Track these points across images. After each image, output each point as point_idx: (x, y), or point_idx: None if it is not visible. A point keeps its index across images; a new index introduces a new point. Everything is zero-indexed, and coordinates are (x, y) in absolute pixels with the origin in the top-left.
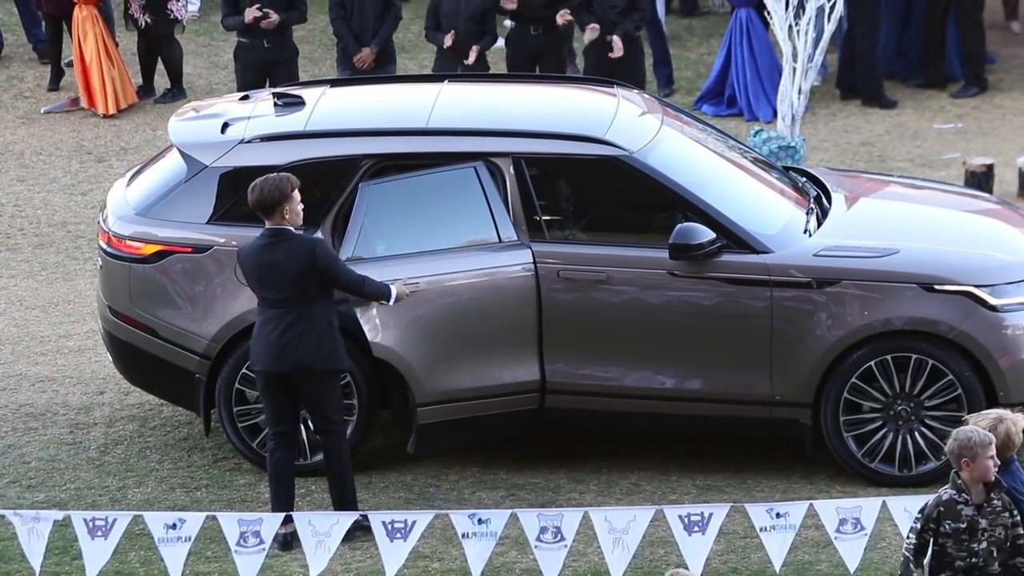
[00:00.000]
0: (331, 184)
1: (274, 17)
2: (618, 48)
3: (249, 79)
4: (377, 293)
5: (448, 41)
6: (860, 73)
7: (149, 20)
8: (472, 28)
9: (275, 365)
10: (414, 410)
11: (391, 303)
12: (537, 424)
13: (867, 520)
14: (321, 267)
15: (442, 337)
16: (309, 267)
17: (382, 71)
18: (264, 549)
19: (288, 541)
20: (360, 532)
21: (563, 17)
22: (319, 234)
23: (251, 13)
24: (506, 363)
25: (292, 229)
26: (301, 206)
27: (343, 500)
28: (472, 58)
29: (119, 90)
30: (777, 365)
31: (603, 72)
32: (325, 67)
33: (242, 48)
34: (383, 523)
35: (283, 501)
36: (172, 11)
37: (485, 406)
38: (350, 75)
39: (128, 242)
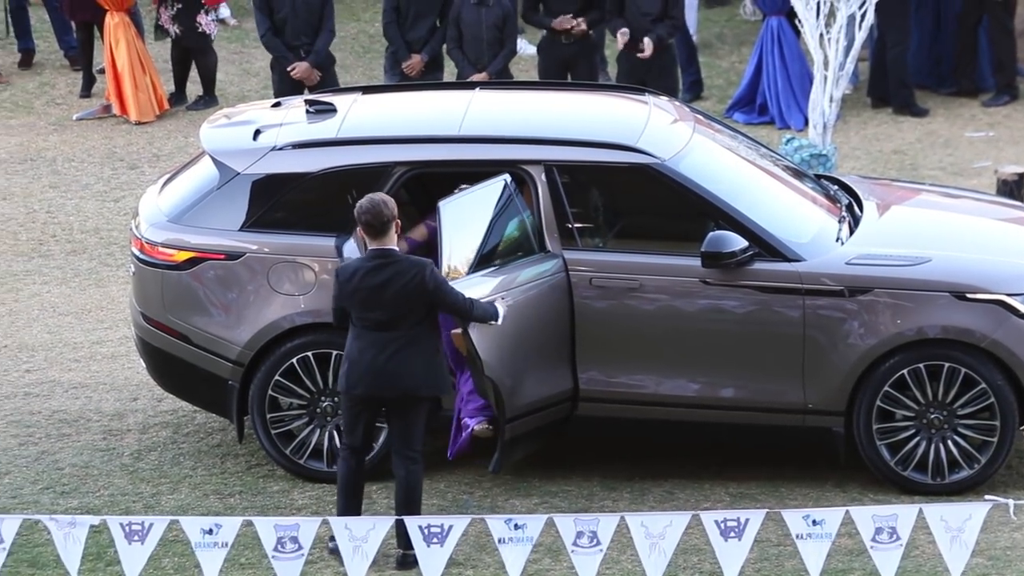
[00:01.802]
0: (363, 191)
1: (315, 78)
2: (648, 48)
3: (287, 89)
4: (485, 315)
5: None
6: (891, 81)
7: (178, 31)
8: (493, 36)
9: (378, 390)
10: (503, 427)
11: (499, 323)
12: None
13: (903, 529)
14: (430, 290)
15: (524, 348)
16: (418, 290)
17: (430, 78)
18: (302, 555)
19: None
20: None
21: (577, 26)
22: (352, 241)
23: (301, 70)
24: (547, 371)
25: (398, 251)
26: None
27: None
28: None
29: (151, 97)
30: (809, 373)
31: (635, 80)
32: (357, 74)
33: (279, 60)
34: (420, 527)
35: (351, 513)
36: (200, 24)
37: (551, 414)
38: (398, 81)
39: (161, 249)
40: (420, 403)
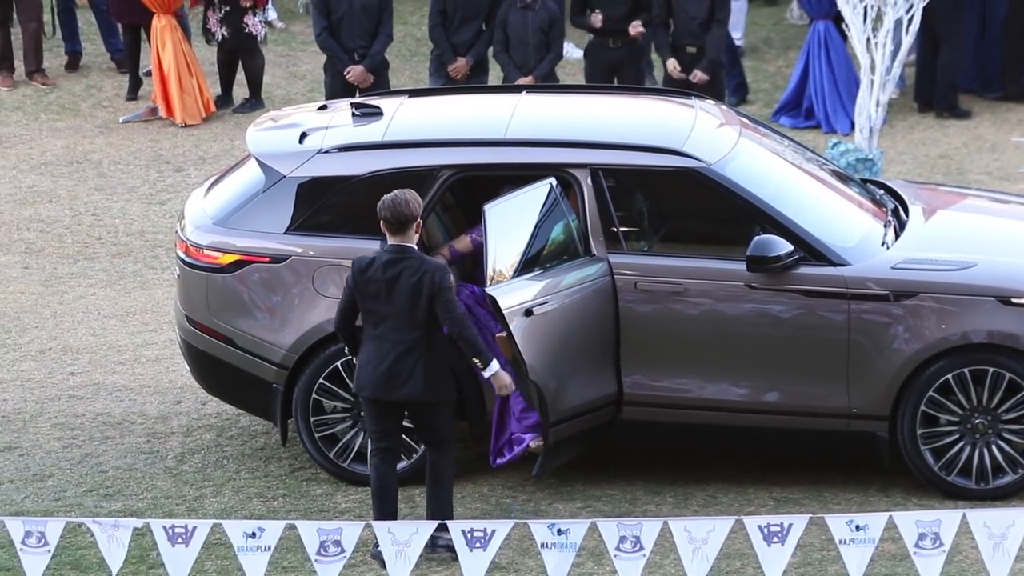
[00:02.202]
0: None
1: (369, 81)
2: (700, 78)
3: (338, 91)
4: (476, 349)
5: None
6: (940, 85)
7: (226, 33)
8: (539, 40)
9: (383, 393)
10: (547, 431)
11: (485, 375)
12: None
13: (946, 535)
14: (435, 291)
15: (568, 352)
16: (426, 289)
17: (476, 82)
18: (344, 557)
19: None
20: (442, 549)
21: (635, 29)
22: None
23: (356, 73)
24: (591, 375)
25: (416, 248)
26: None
27: (437, 515)
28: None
29: (197, 100)
30: (854, 378)
31: (680, 83)
32: (404, 77)
33: (332, 62)
34: (463, 532)
35: (386, 516)
36: (248, 25)
37: (595, 419)
38: (443, 84)
39: (206, 252)
40: (430, 407)
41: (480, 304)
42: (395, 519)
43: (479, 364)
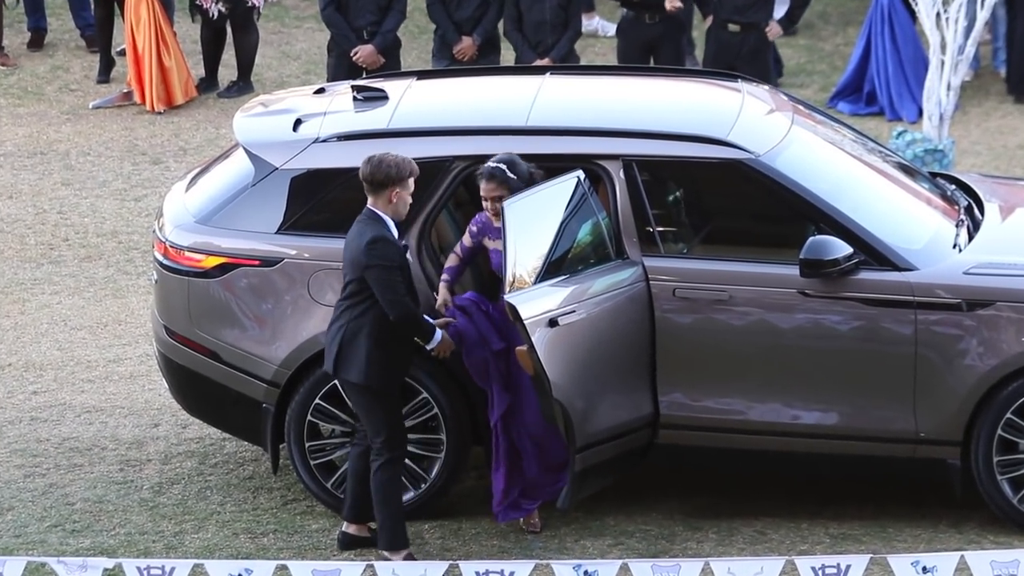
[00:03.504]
0: (418, 188)
1: (379, 63)
2: (775, 31)
3: (343, 75)
4: (415, 327)
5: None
6: (1017, 64)
7: (224, 9)
8: (557, 16)
9: (331, 373)
10: (573, 457)
11: (430, 348)
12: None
13: None
14: (363, 262)
15: (598, 368)
16: (360, 258)
17: (485, 63)
18: None
19: (348, 543)
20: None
21: (671, 4)
22: (406, 243)
23: (364, 54)
24: (623, 394)
25: (384, 216)
26: (410, 200)
27: (383, 536)
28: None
29: (176, 83)
30: (921, 398)
31: (725, 64)
32: (411, 57)
33: (338, 41)
34: (476, 573)
35: (356, 503)
36: None
37: (628, 443)
38: (447, 67)
39: (187, 254)
40: (354, 388)
41: (483, 311)
42: (367, 513)
43: (420, 341)
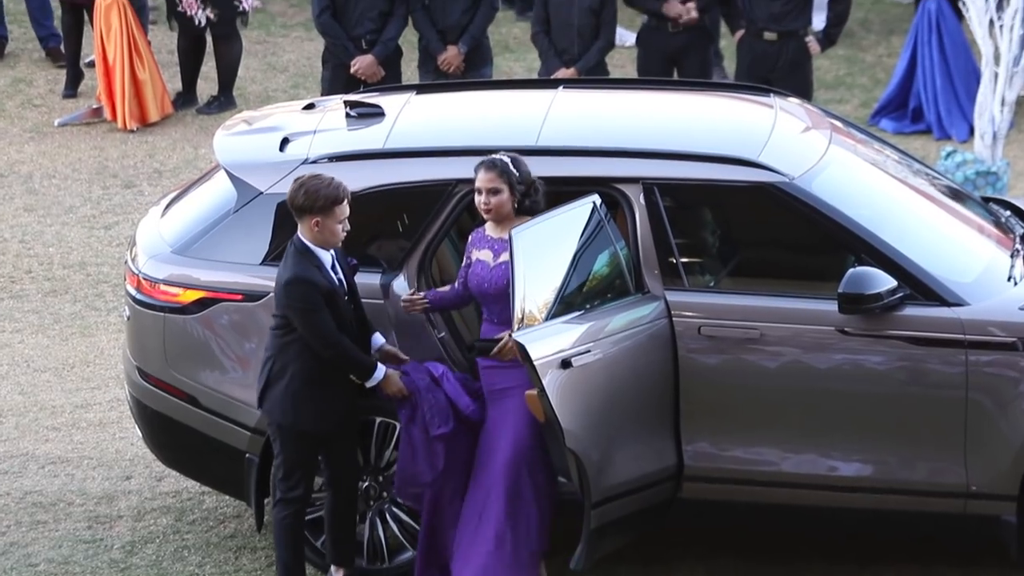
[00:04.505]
0: (417, 215)
1: (380, 75)
2: (816, 48)
3: (339, 88)
4: (351, 365)
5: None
6: None
7: (211, 15)
8: (587, 23)
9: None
10: (588, 513)
11: (369, 385)
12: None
13: None
14: (284, 303)
15: (615, 414)
16: (279, 297)
17: (475, 75)
18: None
19: None
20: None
21: (689, 14)
22: (401, 277)
23: (364, 65)
24: (644, 443)
25: (311, 246)
26: (342, 229)
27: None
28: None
29: (151, 98)
30: (973, 447)
31: (757, 77)
32: (413, 69)
33: (334, 51)
34: None
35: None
36: (241, 2)
37: (648, 497)
38: (432, 80)
39: (163, 287)
40: (273, 424)
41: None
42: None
43: (356, 379)
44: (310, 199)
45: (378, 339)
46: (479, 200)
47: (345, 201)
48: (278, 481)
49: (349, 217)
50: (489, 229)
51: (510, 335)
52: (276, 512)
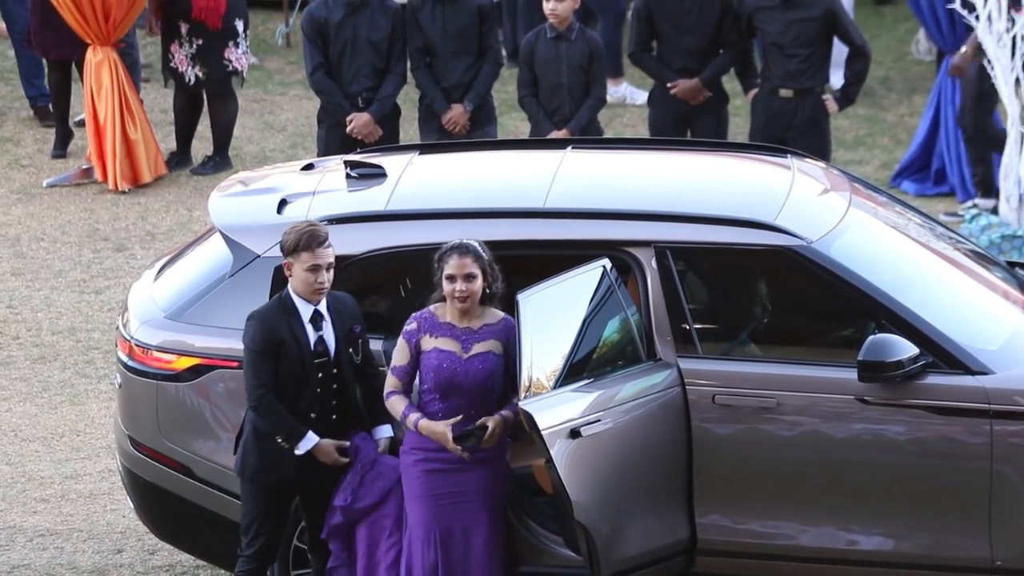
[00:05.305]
0: (419, 279)
1: (377, 134)
2: (833, 107)
3: (336, 149)
4: (275, 424)
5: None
6: None
7: (200, 74)
8: (576, 80)
9: None
10: None
11: (298, 453)
12: None
13: None
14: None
15: (627, 486)
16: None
17: (479, 134)
18: None
19: None
20: None
21: (699, 95)
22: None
23: (360, 124)
24: (656, 516)
25: (291, 294)
26: (316, 280)
27: None
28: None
29: (143, 158)
30: (998, 521)
31: (775, 137)
32: (413, 129)
33: (330, 109)
34: None
35: None
36: (231, 61)
37: (660, 571)
38: (436, 140)
39: (156, 354)
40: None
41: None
42: None
43: (284, 443)
44: (284, 239)
45: (384, 430)
46: (453, 288)
47: (314, 250)
48: (241, 535)
49: (354, 283)
50: (449, 316)
51: (497, 421)
52: (236, 567)
